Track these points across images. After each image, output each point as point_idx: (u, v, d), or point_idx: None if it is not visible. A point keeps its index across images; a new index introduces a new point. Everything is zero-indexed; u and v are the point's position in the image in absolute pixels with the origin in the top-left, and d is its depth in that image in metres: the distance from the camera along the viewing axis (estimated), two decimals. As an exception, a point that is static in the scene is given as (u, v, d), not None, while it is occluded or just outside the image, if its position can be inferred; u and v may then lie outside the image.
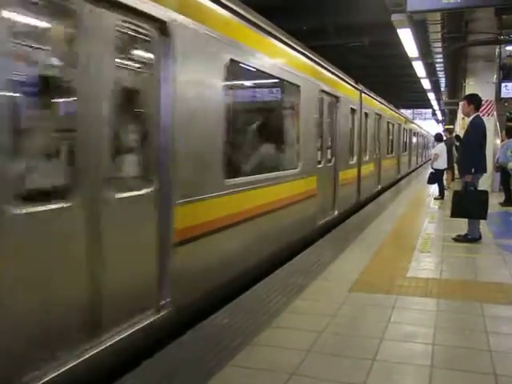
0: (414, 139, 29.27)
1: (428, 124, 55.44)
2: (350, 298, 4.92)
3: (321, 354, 3.64)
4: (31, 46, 3.20)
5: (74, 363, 3.10)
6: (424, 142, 39.30)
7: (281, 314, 4.44)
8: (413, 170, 27.34)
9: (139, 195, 3.83)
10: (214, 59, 4.86)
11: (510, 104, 16.96)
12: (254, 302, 4.79)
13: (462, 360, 3.59)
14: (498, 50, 15.06)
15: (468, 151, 7.49)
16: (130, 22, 3.67)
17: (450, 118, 37.41)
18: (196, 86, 4.57)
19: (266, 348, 3.75)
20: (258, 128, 6.71)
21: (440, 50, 18.20)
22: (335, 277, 5.71)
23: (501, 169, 12.65)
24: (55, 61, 3.50)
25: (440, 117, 52.61)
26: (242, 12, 5.42)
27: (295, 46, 7.33)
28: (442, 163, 13.87)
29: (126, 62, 3.98)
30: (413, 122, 30.79)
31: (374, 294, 5.07)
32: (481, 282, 5.60)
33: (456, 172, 14.32)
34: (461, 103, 12.01)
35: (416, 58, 17.33)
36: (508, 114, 13.30)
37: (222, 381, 3.24)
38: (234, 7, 5.23)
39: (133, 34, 3.80)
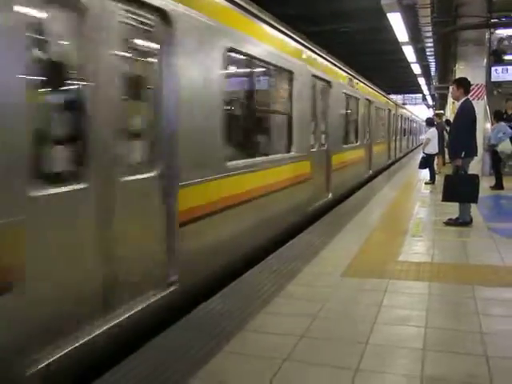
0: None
1: (418, 109, 55.48)
2: (343, 283, 4.93)
3: (314, 339, 3.65)
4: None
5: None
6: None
7: (273, 300, 4.45)
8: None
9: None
10: (340, 93, 11.30)
11: (503, 91, 17.00)
12: (247, 288, 4.78)
13: (454, 342, 3.60)
14: (487, 33, 15.05)
15: (458, 135, 7.48)
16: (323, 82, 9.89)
17: (440, 102, 37.50)
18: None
19: (259, 334, 3.75)
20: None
21: (430, 34, 18.17)
22: (327, 262, 5.71)
23: (492, 149, 12.65)
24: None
25: (430, 102, 52.70)
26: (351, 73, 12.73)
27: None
28: (433, 148, 13.91)
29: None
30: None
31: (366, 278, 5.08)
32: (472, 265, 5.63)
33: (447, 157, 14.35)
34: (451, 87, 12.01)
35: (406, 43, 17.34)
36: (504, 113, 13.20)
37: (215, 368, 3.24)
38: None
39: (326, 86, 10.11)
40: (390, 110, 20.64)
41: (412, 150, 33.73)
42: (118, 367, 3.26)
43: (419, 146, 35.76)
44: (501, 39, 15.62)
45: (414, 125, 37.67)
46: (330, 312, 4.18)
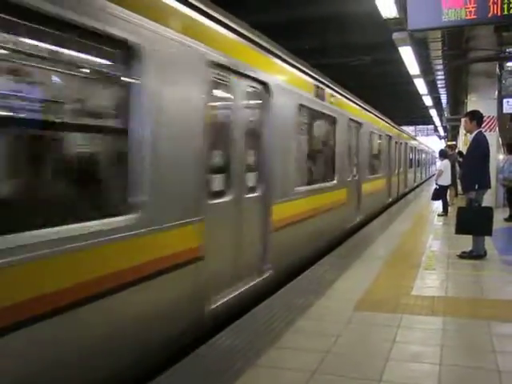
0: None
1: (430, 140, 55.49)
2: (355, 317, 4.86)
3: (326, 375, 3.58)
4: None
5: None
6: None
7: (285, 335, 4.38)
8: None
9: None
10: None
11: None
12: (257, 323, 4.73)
13: (470, 381, 3.52)
14: (498, 66, 15.14)
15: (471, 167, 7.46)
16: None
17: (452, 134, 37.51)
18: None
19: (270, 369, 3.69)
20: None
21: (441, 67, 18.30)
22: (339, 296, 5.65)
23: (509, 185, 12.55)
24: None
25: (442, 133, 52.72)
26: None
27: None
28: (446, 179, 13.85)
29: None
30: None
31: (379, 312, 5.00)
32: (487, 300, 5.53)
33: (459, 188, 14.29)
34: (463, 120, 12.02)
35: (417, 76, 17.43)
36: None
37: (226, 404, 3.18)
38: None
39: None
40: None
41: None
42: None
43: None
44: None
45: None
46: (343, 347, 4.11)
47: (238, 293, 5.13)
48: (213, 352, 4.03)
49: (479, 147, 7.43)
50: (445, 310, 5.11)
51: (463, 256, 7.63)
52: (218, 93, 5.04)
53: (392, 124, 18.09)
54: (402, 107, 35.03)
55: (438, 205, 14.39)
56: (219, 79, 4.93)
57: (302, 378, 3.51)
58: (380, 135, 15.04)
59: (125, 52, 3.54)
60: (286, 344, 4.18)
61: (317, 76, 8.30)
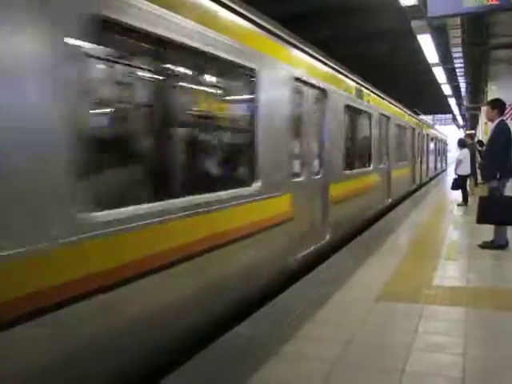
0: None
1: (448, 129, 54.79)
2: (376, 308, 4.84)
3: (348, 366, 3.57)
4: None
5: None
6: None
7: (306, 325, 4.39)
8: None
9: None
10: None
11: None
12: (279, 313, 4.74)
13: (494, 371, 3.49)
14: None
15: (493, 156, 7.36)
16: None
17: (471, 123, 37.05)
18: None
19: (292, 359, 3.70)
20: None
21: (460, 54, 18.04)
22: (360, 286, 5.63)
23: None
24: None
25: (461, 122, 52.09)
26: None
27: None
28: (465, 169, 13.71)
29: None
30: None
31: (400, 303, 4.98)
32: (509, 290, 5.47)
33: (479, 178, 14.11)
34: (483, 108, 11.86)
35: (436, 64, 17.21)
36: None
37: (249, 393, 3.20)
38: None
39: None
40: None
41: None
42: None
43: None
44: None
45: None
46: (365, 338, 4.10)
47: None
48: (234, 342, 4.05)
49: (501, 136, 7.32)
50: (467, 300, 5.06)
51: (484, 246, 7.55)
52: None
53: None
54: (421, 97, 34.65)
55: (457, 195, 14.25)
56: None
57: (324, 368, 3.51)
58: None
59: None
60: (307, 334, 4.19)
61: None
